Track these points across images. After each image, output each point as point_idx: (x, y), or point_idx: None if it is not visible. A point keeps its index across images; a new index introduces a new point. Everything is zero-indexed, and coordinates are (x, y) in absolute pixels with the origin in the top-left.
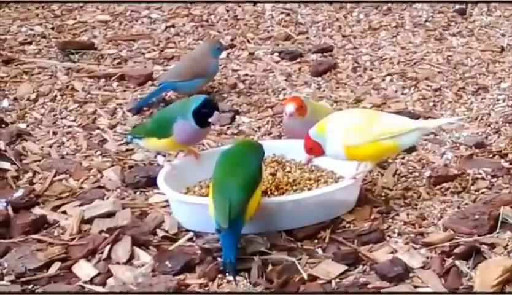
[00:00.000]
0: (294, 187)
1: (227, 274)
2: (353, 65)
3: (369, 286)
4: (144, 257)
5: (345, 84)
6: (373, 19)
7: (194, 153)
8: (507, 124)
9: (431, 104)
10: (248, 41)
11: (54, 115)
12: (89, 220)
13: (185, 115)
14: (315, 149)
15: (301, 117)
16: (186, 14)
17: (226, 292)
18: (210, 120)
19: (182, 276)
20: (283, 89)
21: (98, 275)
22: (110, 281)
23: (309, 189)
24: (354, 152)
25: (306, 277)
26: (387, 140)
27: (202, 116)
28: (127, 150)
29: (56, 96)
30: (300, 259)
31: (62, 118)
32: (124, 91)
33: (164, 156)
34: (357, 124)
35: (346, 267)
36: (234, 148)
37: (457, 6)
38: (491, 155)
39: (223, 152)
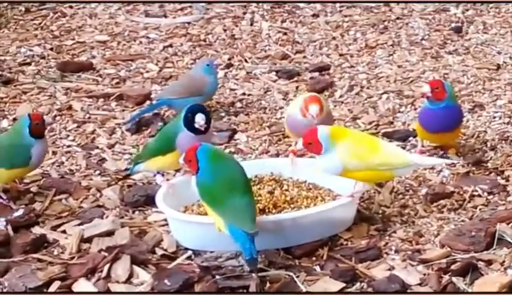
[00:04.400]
0: (292, 205)
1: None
2: (350, 83)
3: None
4: (143, 275)
5: (342, 102)
6: (370, 37)
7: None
8: (503, 141)
9: None
10: (246, 60)
11: (53, 135)
12: (89, 239)
13: (181, 126)
14: (315, 146)
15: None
16: (184, 34)
17: None
18: (195, 124)
19: None
20: (281, 108)
21: (97, 293)
22: None
23: (306, 207)
24: (351, 175)
25: (304, 289)
26: (384, 170)
27: (189, 122)
28: (126, 169)
29: (55, 116)
30: (298, 276)
31: (61, 138)
32: (123, 110)
33: (163, 175)
34: (360, 152)
35: (344, 284)
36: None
37: (453, 24)
38: (487, 172)
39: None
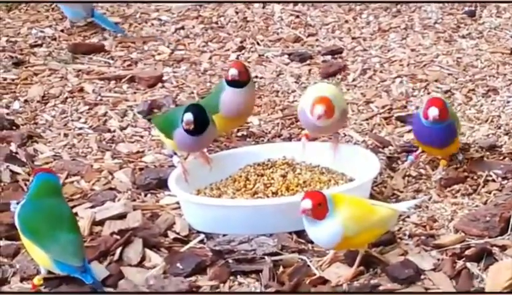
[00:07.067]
0: (304, 189)
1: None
2: (363, 67)
3: (381, 288)
4: (155, 259)
5: (355, 86)
6: (382, 21)
7: (205, 159)
8: None
9: None
10: (258, 43)
11: (65, 117)
12: (101, 222)
13: (178, 122)
14: (322, 210)
15: (329, 119)
16: (196, 16)
17: (238, 292)
18: (182, 123)
19: (193, 278)
20: (293, 91)
21: (110, 276)
22: (122, 283)
23: (320, 189)
24: (349, 241)
25: (318, 274)
26: (379, 227)
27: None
28: (137, 152)
29: (66, 98)
30: (311, 260)
31: (73, 120)
32: (135, 93)
33: (180, 157)
34: (360, 214)
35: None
36: None
37: (467, 8)
38: (502, 157)
39: None
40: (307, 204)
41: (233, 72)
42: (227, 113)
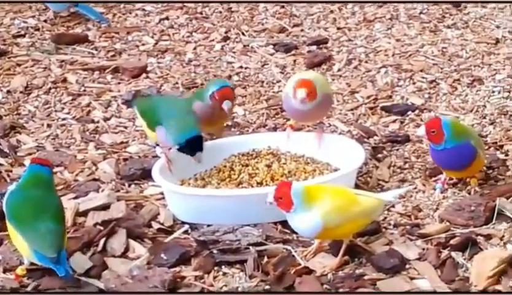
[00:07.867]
0: (289, 178)
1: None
2: (348, 57)
3: (365, 277)
4: (139, 249)
5: (340, 76)
6: (368, 11)
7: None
8: (502, 116)
9: (427, 96)
10: (243, 33)
11: (48, 108)
12: (84, 213)
13: (174, 138)
14: (285, 203)
15: (311, 102)
16: (180, 6)
17: (223, 291)
18: (193, 158)
19: (177, 269)
20: (278, 81)
21: (93, 267)
22: (106, 274)
23: (305, 179)
24: (330, 232)
25: (303, 264)
26: (363, 217)
27: (186, 150)
28: (121, 142)
29: (50, 88)
30: (296, 250)
31: (56, 111)
32: (119, 83)
33: (163, 147)
34: (341, 205)
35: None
36: None
37: None
38: (487, 147)
39: None
40: (269, 197)
41: (228, 105)
42: (201, 120)
